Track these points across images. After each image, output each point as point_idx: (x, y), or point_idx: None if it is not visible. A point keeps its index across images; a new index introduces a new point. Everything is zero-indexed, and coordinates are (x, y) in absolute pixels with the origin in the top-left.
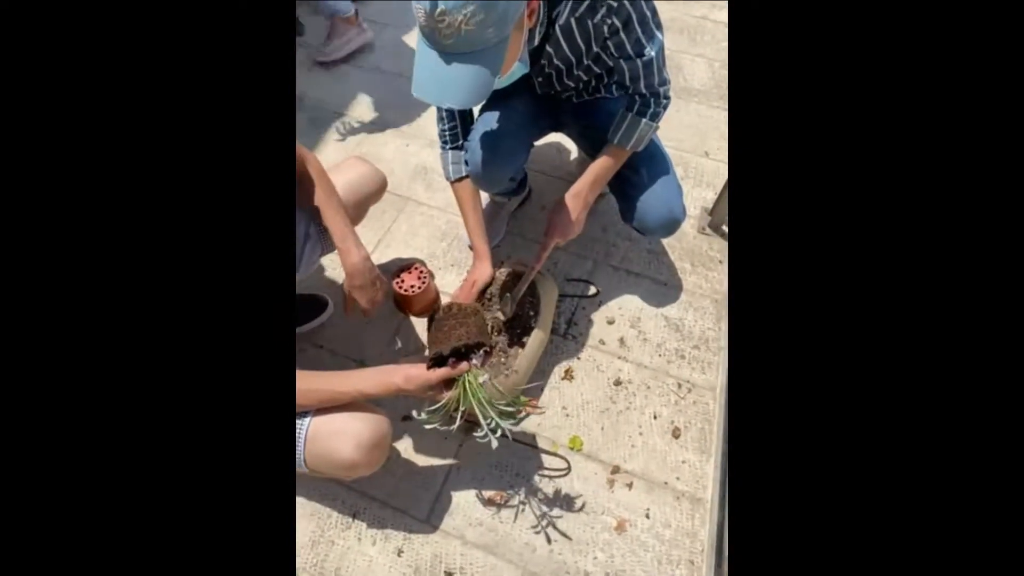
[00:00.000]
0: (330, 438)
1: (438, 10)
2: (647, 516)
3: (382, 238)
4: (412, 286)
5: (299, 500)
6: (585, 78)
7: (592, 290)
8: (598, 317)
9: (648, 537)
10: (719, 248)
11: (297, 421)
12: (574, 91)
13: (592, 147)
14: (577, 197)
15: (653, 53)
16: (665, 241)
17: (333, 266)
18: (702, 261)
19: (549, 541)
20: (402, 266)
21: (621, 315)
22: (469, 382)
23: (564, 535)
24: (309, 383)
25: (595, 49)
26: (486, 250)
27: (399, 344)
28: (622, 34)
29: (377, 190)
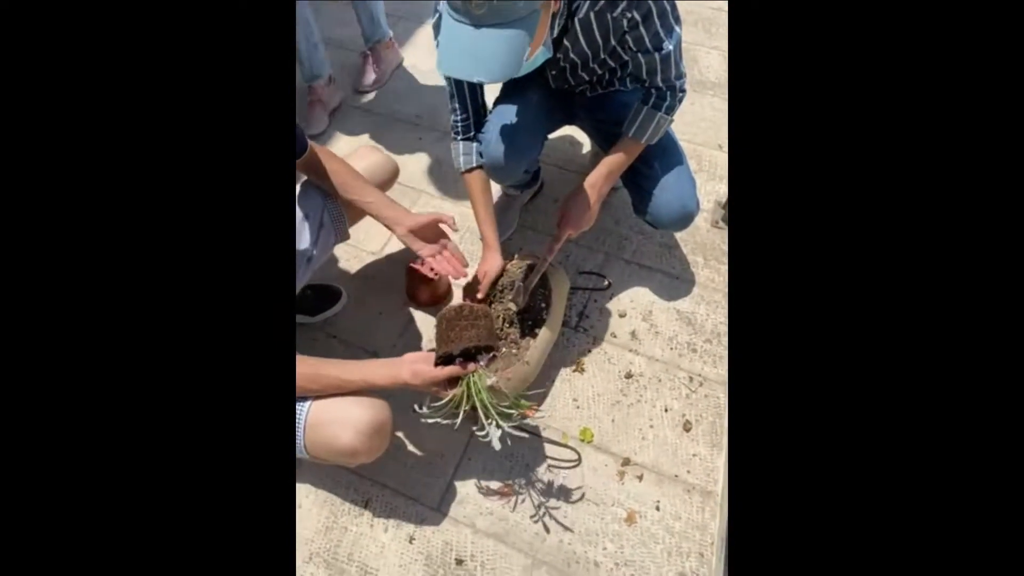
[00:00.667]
0: (329, 425)
1: None
2: (657, 508)
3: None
4: (430, 269)
5: (311, 488)
6: (600, 71)
7: (604, 283)
8: (610, 310)
9: (658, 529)
10: None
11: (297, 406)
12: (588, 84)
13: (605, 140)
14: (591, 189)
15: (671, 47)
16: (678, 235)
17: (347, 257)
18: (715, 255)
19: (559, 531)
20: (414, 258)
21: (633, 308)
22: (474, 382)
23: (574, 526)
24: (316, 369)
25: (612, 43)
26: (496, 241)
27: (413, 335)
28: (641, 28)
29: (390, 178)
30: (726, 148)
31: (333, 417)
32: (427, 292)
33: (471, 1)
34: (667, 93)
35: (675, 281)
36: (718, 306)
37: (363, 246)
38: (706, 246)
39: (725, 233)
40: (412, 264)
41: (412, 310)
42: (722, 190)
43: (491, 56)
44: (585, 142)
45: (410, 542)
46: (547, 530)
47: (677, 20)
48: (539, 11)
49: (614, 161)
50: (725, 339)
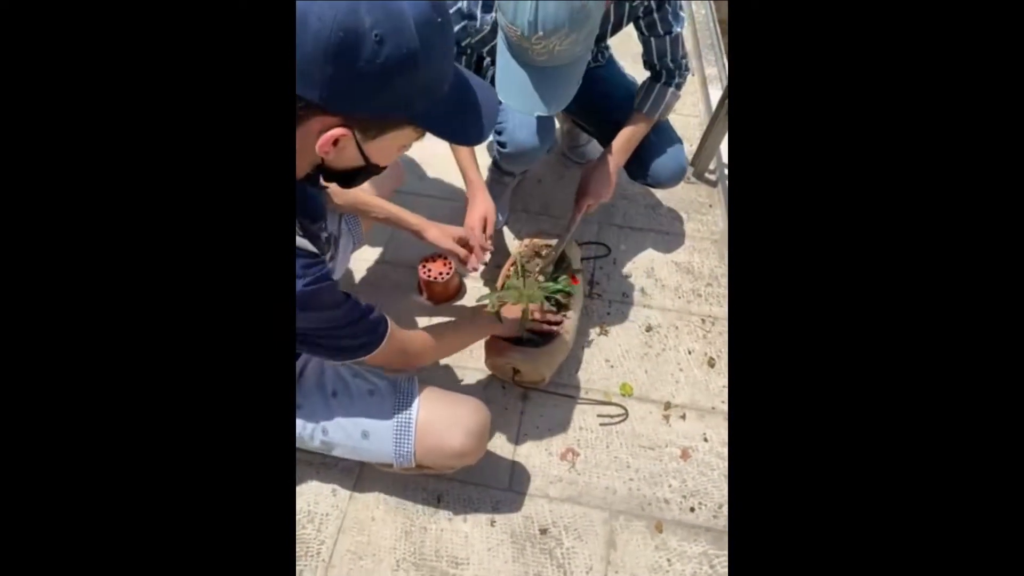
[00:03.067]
0: (440, 431)
1: (536, 35)
2: (705, 440)
3: (391, 235)
4: (440, 273)
5: (380, 498)
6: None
7: (604, 250)
8: (615, 273)
9: (711, 457)
10: (707, 194)
11: (404, 418)
12: None
13: (587, 115)
14: (610, 162)
15: (680, 30)
16: (658, 194)
17: (360, 269)
18: (695, 207)
19: (626, 480)
20: (425, 256)
21: (635, 268)
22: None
23: (638, 473)
24: (429, 340)
25: (622, 27)
26: (483, 181)
27: None
28: (655, 15)
29: (397, 185)
30: (679, 111)
31: (442, 422)
32: (439, 291)
33: (533, 50)
34: (675, 72)
35: (666, 236)
36: (709, 253)
37: (361, 255)
38: (685, 201)
39: (698, 187)
40: (421, 268)
41: (429, 312)
42: (686, 149)
43: (550, 94)
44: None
45: (491, 525)
46: (616, 483)
47: (681, 7)
48: (591, 49)
49: (630, 135)
50: (723, 280)
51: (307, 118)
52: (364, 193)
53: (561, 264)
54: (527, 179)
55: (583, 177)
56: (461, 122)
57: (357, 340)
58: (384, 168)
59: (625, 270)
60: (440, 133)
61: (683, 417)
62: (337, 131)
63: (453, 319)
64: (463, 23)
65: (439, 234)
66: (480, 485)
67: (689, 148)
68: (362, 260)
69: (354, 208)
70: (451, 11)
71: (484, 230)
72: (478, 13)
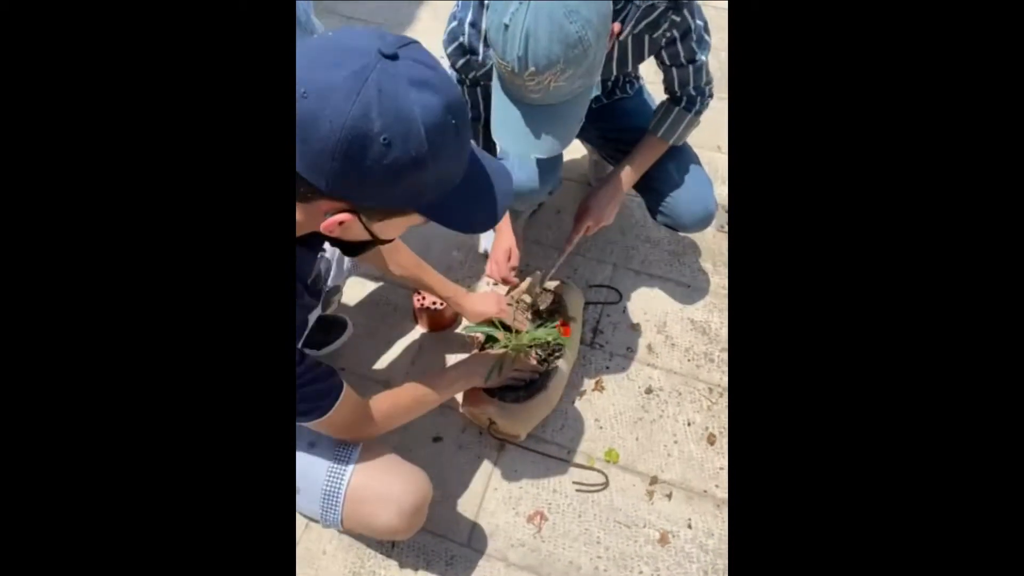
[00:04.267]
0: (371, 504)
1: (528, 71)
2: (689, 526)
3: None
4: (435, 302)
5: (334, 532)
6: (610, 85)
7: (615, 296)
8: (623, 323)
9: (692, 548)
10: None
11: (336, 483)
12: (596, 96)
13: (611, 147)
14: (614, 184)
15: (704, 59)
16: (685, 242)
17: (349, 284)
18: (723, 261)
19: (593, 558)
20: None
21: (646, 320)
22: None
23: (608, 551)
24: (395, 401)
25: (642, 61)
26: (507, 217)
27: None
28: (679, 45)
29: None
30: (724, 149)
31: (375, 494)
32: (434, 319)
33: (527, 87)
34: (696, 98)
35: (686, 289)
36: None
37: (360, 275)
38: (714, 252)
39: None
40: (416, 297)
41: (422, 337)
42: (724, 192)
43: (545, 135)
44: (582, 149)
45: None
46: (581, 558)
47: (708, 33)
48: (596, 82)
49: (639, 158)
50: None
51: (315, 199)
52: (419, 267)
53: (556, 310)
54: (544, 210)
55: (585, 197)
56: (468, 212)
57: (303, 404)
58: (392, 240)
59: (634, 321)
60: (445, 223)
61: (669, 496)
62: (342, 216)
63: (426, 376)
64: (466, 58)
65: (477, 317)
66: (438, 536)
67: (725, 191)
68: (361, 280)
69: (414, 282)
70: (453, 46)
71: (508, 262)
72: (480, 47)
